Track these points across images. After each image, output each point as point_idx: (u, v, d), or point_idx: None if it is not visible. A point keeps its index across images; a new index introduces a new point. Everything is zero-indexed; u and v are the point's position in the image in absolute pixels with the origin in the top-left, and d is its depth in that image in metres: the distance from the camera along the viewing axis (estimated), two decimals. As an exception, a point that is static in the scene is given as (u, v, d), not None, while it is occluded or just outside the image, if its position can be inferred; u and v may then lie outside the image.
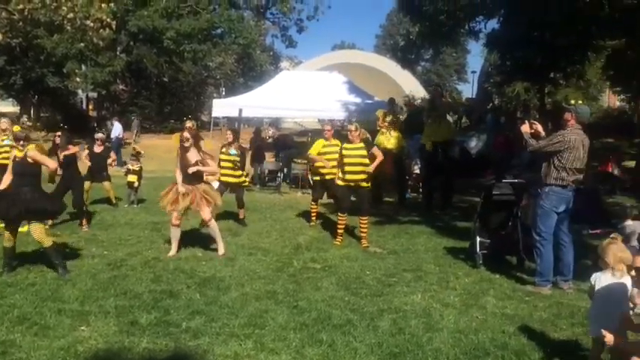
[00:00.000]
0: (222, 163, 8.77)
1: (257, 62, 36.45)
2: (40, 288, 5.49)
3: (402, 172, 11.68)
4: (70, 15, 17.85)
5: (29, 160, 5.97)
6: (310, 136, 18.70)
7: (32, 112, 30.90)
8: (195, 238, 7.52)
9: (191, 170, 6.79)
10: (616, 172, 13.37)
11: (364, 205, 7.65)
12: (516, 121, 13.07)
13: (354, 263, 6.74)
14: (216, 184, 8.41)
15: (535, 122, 6.18)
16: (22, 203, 5.82)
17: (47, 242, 5.96)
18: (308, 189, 13.26)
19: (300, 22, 39.65)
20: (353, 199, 7.77)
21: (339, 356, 4.12)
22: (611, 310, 3.67)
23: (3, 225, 6.35)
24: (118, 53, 28.84)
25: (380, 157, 7.76)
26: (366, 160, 7.57)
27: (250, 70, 36.50)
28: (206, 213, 6.90)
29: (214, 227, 7.02)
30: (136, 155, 11.87)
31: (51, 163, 6.36)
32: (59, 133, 9.18)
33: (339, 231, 7.77)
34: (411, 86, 31.30)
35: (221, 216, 8.23)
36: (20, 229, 6.35)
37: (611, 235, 3.93)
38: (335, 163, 8.01)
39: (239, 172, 9.04)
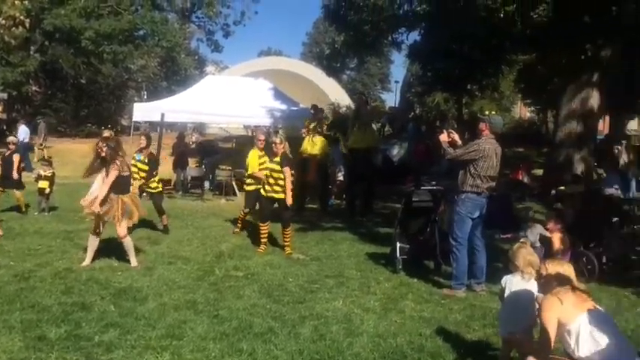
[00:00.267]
0: (132, 169, 8.51)
1: (181, 66, 35.60)
2: None
3: (326, 179, 11.80)
4: (-20, 11, 16.75)
5: None
6: (235, 142, 18.48)
7: None
8: (112, 248, 7.13)
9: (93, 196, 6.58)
10: (526, 179, 14.18)
11: (285, 216, 7.64)
12: (436, 130, 13.55)
13: (277, 270, 6.71)
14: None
15: (453, 131, 6.43)
16: None
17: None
18: (232, 196, 13.12)
19: (227, 27, 39.16)
20: (276, 205, 7.74)
21: (260, 365, 4.07)
22: (519, 315, 3.92)
23: None
24: (31, 53, 27.42)
25: (288, 179, 7.49)
26: (282, 175, 7.48)
27: (174, 74, 35.58)
28: (122, 229, 6.58)
29: (128, 243, 6.70)
30: (48, 160, 11.26)
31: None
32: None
33: (262, 239, 7.73)
34: (336, 94, 31.70)
35: (140, 224, 7.93)
36: None
37: (521, 240, 4.17)
38: (268, 172, 7.92)
39: (152, 180, 8.84)
